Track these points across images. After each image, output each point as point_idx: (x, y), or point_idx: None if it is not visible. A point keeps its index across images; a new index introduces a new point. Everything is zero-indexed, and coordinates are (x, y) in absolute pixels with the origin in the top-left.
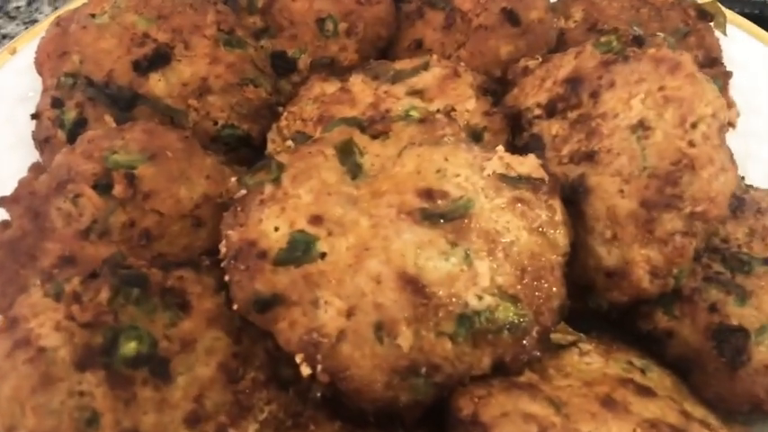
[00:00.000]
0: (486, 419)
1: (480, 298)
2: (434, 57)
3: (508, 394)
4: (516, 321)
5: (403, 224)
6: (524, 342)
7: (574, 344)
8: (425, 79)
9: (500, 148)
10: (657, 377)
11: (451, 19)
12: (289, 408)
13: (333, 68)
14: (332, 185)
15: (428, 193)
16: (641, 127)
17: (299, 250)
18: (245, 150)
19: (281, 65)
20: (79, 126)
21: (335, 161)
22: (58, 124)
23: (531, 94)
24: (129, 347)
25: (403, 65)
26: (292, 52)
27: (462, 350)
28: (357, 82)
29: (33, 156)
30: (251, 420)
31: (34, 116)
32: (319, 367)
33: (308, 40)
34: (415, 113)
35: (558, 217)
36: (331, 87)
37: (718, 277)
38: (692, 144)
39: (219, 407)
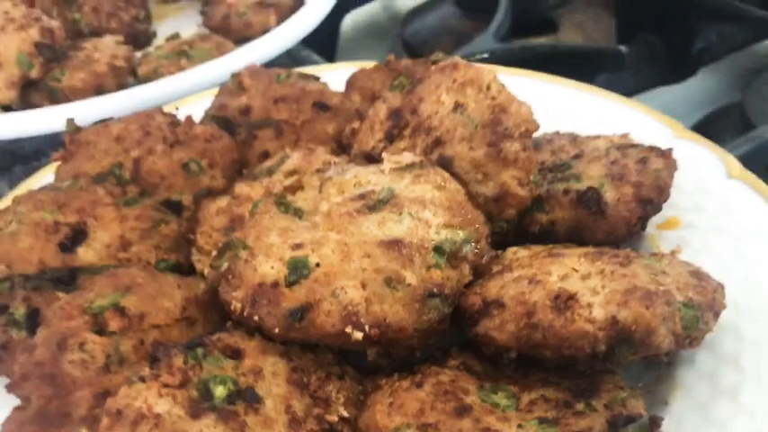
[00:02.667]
0: (493, 296)
1: (438, 233)
2: (287, 150)
3: (494, 279)
4: (467, 238)
5: (358, 220)
6: (478, 248)
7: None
8: (292, 162)
9: (385, 155)
10: None
11: (279, 129)
12: (352, 388)
13: (209, 195)
14: (290, 227)
15: (361, 197)
16: (458, 107)
17: (300, 268)
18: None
19: (170, 208)
20: (34, 317)
21: (280, 215)
22: (12, 325)
23: (370, 138)
24: (221, 390)
25: (268, 163)
26: (173, 197)
27: (448, 271)
28: (243, 187)
29: None
30: (335, 407)
31: None
32: (366, 328)
33: (182, 183)
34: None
35: (446, 175)
36: (223, 201)
37: (556, 177)
38: (494, 98)
39: (307, 408)
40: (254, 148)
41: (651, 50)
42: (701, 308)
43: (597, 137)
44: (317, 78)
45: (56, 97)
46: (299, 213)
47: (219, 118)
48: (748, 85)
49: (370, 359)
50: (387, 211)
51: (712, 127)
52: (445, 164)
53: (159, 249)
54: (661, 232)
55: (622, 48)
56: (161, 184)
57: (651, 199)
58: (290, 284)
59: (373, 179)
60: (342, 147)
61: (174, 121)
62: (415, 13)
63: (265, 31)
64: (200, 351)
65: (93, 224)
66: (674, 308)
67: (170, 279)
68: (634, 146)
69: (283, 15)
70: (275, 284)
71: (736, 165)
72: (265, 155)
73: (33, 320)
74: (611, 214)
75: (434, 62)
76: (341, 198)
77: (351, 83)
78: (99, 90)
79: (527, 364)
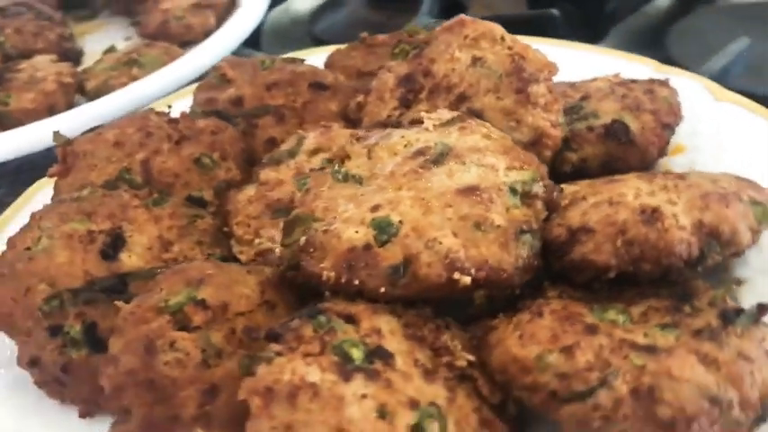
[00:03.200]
0: (578, 224)
1: (507, 176)
2: (300, 131)
3: (569, 209)
4: (533, 177)
5: (425, 175)
6: (545, 185)
7: None
8: (312, 141)
9: (423, 114)
10: None
11: (279, 114)
12: (462, 336)
13: (229, 188)
14: (356, 193)
15: (419, 154)
16: (476, 61)
17: (386, 227)
18: None
19: (194, 204)
20: (92, 332)
21: (340, 184)
22: (71, 345)
23: (382, 108)
24: (357, 352)
25: (286, 146)
26: (194, 194)
27: (525, 209)
28: (269, 173)
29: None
30: (458, 354)
31: (32, 364)
32: (472, 271)
33: (198, 178)
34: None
35: (487, 124)
36: (251, 190)
37: (572, 118)
38: (511, 47)
39: (432, 359)
40: (256, 136)
41: (566, 16)
42: (763, 204)
43: (594, 79)
44: (302, 61)
45: (6, 121)
46: (358, 180)
47: (212, 112)
48: (669, 33)
49: (478, 302)
50: (450, 162)
51: None
52: (476, 116)
53: (202, 245)
54: (671, 159)
55: (555, 11)
56: (176, 182)
57: (670, 123)
58: (382, 244)
59: (422, 137)
60: (350, 122)
61: (172, 119)
62: (322, 10)
63: (207, 32)
64: (323, 318)
65: (128, 228)
66: (746, 205)
67: (235, 267)
68: (633, 81)
69: (221, 15)
70: (367, 247)
71: (718, 89)
72: (271, 141)
73: (92, 336)
74: (641, 142)
75: (411, 34)
76: (399, 158)
77: (330, 64)
78: (51, 109)
79: (618, 285)
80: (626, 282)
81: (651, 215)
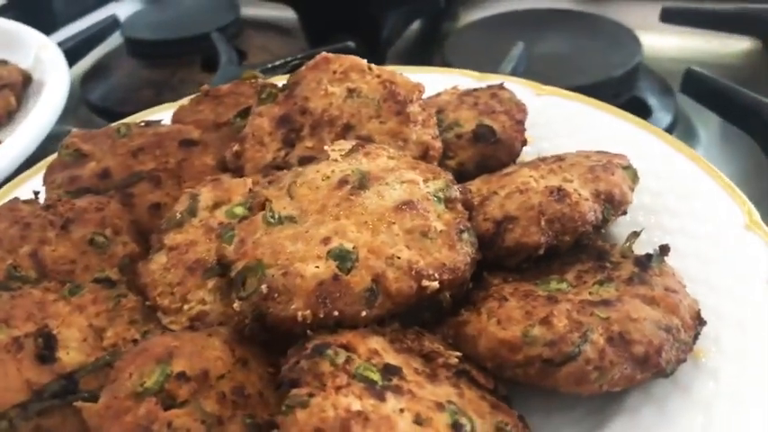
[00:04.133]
0: (500, 215)
1: (427, 186)
2: (189, 189)
3: (485, 204)
4: (447, 184)
5: (357, 200)
6: (459, 189)
7: None
8: (207, 197)
9: (326, 147)
10: None
11: (155, 179)
12: (435, 338)
13: (133, 262)
14: (297, 232)
15: (342, 183)
16: (351, 92)
17: (344, 256)
18: None
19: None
20: None
21: (275, 227)
22: None
23: (264, 152)
24: (374, 374)
25: (179, 207)
26: (99, 276)
27: (452, 212)
28: (175, 237)
29: None
30: (446, 353)
31: None
32: (436, 275)
33: (97, 259)
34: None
35: (385, 146)
36: (161, 258)
37: (439, 129)
38: (379, 76)
39: (427, 365)
40: (136, 205)
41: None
42: (631, 167)
43: (438, 94)
44: (158, 122)
45: None
46: (293, 219)
47: (80, 191)
48: (445, 47)
49: (445, 304)
50: (374, 184)
51: None
52: (369, 141)
53: (136, 323)
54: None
55: (351, 43)
56: (75, 268)
57: (521, 119)
58: (348, 272)
59: (336, 168)
60: (229, 172)
61: (47, 205)
62: (91, 77)
63: (10, 112)
64: (330, 352)
65: (54, 325)
66: (622, 171)
67: (194, 334)
68: (475, 90)
69: (19, 94)
70: (335, 277)
71: (535, 85)
72: (155, 207)
73: None
74: (506, 139)
75: (251, 80)
76: (324, 191)
77: (179, 121)
78: None
79: (539, 261)
80: (545, 257)
81: (559, 194)
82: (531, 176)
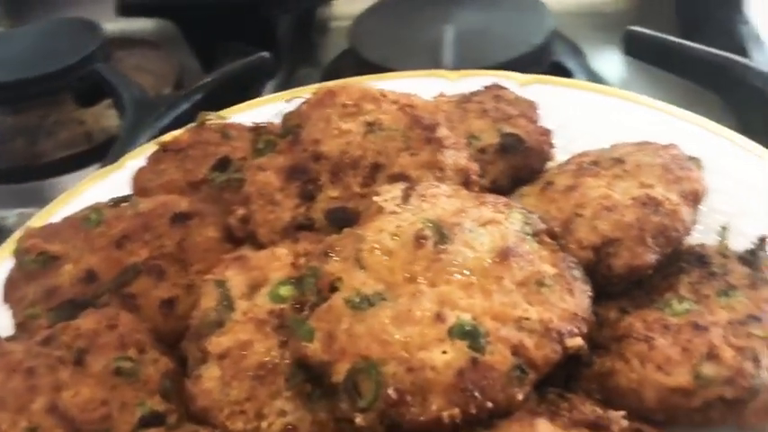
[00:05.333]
0: (598, 239)
1: (512, 223)
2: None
3: (570, 228)
4: (524, 213)
5: (446, 258)
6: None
7: None
8: (237, 282)
9: (377, 198)
10: None
11: (155, 269)
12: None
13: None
14: (397, 314)
15: (418, 240)
16: (370, 126)
17: (470, 332)
18: None
19: (154, 424)
20: None
21: (364, 312)
22: None
23: (279, 211)
24: None
25: (209, 302)
26: (143, 414)
27: (546, 247)
28: (220, 342)
29: None
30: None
31: None
32: (575, 330)
33: (130, 393)
34: None
35: (436, 182)
36: (212, 371)
37: None
38: (396, 101)
39: None
40: (143, 307)
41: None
42: (695, 157)
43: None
44: (127, 199)
45: None
46: (381, 297)
47: (62, 306)
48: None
49: (585, 358)
50: (456, 234)
51: None
52: (403, 179)
53: None
54: None
55: (265, 54)
56: (110, 410)
57: (537, 118)
58: (483, 351)
59: (401, 222)
60: (237, 242)
61: (44, 339)
62: None
63: None
64: None
65: None
66: (693, 164)
67: None
68: (472, 94)
69: None
70: (474, 361)
71: (519, 75)
72: (169, 304)
73: None
74: (534, 144)
75: (203, 124)
76: (401, 254)
77: (143, 190)
78: None
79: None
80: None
81: (654, 204)
82: (603, 187)
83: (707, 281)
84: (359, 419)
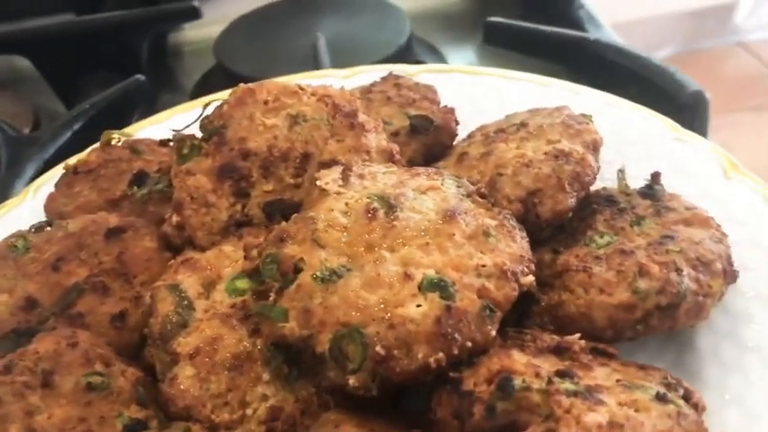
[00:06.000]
0: (522, 192)
1: (449, 187)
2: (160, 284)
3: (496, 189)
4: (459, 178)
5: (397, 225)
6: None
7: None
8: (190, 284)
9: (321, 183)
10: None
11: (99, 286)
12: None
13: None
14: (365, 281)
15: (366, 214)
16: (296, 118)
17: (437, 284)
18: None
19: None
20: None
21: (331, 284)
22: None
23: (215, 212)
24: None
25: (165, 307)
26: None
27: (481, 205)
28: (183, 343)
29: None
30: None
31: None
32: (525, 269)
33: (104, 408)
34: None
35: (366, 162)
36: (185, 370)
37: None
38: (314, 93)
39: None
40: (93, 324)
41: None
42: (586, 113)
43: None
44: (49, 224)
45: None
46: (345, 269)
47: (10, 335)
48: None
49: (536, 295)
50: (402, 203)
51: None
52: (334, 165)
53: None
54: None
55: (140, 76)
56: (90, 427)
57: (435, 97)
58: (453, 298)
59: (348, 200)
60: (174, 249)
61: (3, 366)
62: None
63: None
64: (517, 382)
65: None
66: (587, 118)
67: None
68: (372, 85)
69: None
70: (448, 309)
71: (406, 67)
72: (120, 317)
73: None
74: (442, 122)
75: (108, 143)
76: (357, 228)
77: (58, 213)
78: None
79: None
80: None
81: (564, 156)
82: (515, 149)
83: (618, 216)
84: (352, 380)
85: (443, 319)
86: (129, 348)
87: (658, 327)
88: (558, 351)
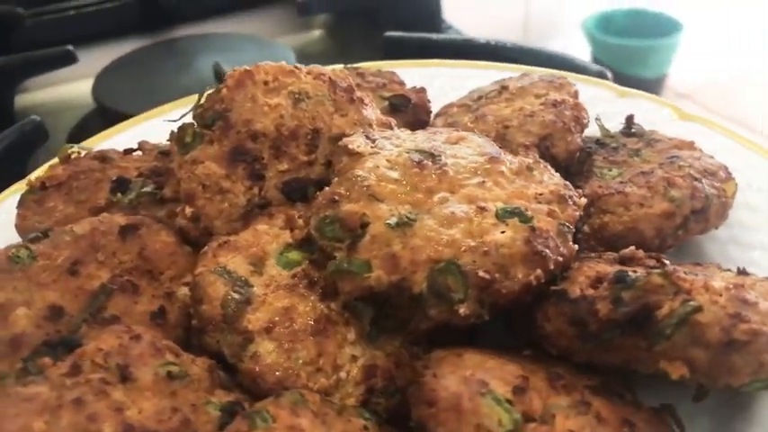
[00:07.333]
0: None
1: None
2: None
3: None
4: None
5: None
6: None
7: None
8: (238, 262)
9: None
10: None
11: (127, 286)
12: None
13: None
14: (440, 220)
15: (417, 161)
16: (299, 96)
17: (515, 212)
18: None
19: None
20: None
21: (408, 228)
22: None
23: (232, 198)
24: None
25: (222, 291)
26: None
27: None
28: (247, 320)
29: None
30: None
31: None
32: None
33: (189, 396)
34: None
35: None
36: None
37: None
38: (310, 71)
39: None
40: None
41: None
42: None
43: None
44: (46, 234)
45: None
46: (413, 215)
47: (42, 349)
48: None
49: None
50: (442, 152)
51: None
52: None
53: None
54: None
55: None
56: (185, 414)
57: (403, 81)
58: (533, 220)
59: (391, 157)
60: (191, 242)
61: (69, 369)
62: None
63: None
64: None
65: None
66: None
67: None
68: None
69: None
70: (533, 229)
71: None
72: (161, 314)
73: None
74: (418, 101)
75: (68, 157)
76: (411, 178)
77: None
78: None
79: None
80: None
81: (560, 103)
82: (512, 106)
83: (615, 153)
84: (462, 309)
85: (532, 239)
86: None
87: (694, 229)
88: (624, 261)
